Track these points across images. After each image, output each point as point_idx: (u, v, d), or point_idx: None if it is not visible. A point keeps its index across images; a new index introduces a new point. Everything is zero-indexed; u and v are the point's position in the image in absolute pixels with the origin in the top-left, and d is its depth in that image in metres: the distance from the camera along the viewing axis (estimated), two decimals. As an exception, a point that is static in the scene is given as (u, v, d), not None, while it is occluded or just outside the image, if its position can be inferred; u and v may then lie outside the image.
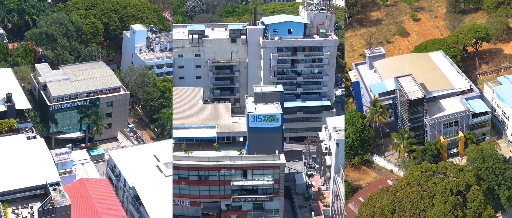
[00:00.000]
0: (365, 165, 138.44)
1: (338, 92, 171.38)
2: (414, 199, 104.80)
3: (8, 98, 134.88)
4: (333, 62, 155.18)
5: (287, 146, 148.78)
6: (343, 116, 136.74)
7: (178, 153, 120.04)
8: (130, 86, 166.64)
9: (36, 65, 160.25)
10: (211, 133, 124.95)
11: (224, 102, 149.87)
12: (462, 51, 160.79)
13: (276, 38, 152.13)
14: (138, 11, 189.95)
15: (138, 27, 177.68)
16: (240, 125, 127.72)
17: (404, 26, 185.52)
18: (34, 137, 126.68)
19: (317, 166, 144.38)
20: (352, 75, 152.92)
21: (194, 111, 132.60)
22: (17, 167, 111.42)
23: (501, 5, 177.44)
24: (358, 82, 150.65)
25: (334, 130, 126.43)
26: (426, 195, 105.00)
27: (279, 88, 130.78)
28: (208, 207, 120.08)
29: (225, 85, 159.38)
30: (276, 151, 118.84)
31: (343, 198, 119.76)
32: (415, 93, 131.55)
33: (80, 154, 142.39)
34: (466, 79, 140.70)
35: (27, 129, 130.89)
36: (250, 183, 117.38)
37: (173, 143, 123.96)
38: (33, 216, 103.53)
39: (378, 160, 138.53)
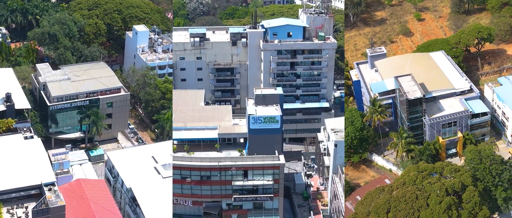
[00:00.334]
0: (364, 163, 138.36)
1: (337, 94, 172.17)
2: (409, 198, 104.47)
3: (8, 98, 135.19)
4: (331, 65, 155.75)
5: (287, 147, 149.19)
6: (342, 117, 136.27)
7: (181, 153, 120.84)
8: (131, 87, 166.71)
9: (37, 65, 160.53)
10: (213, 134, 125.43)
11: (225, 104, 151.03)
12: (465, 51, 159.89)
13: (276, 41, 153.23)
14: (141, 12, 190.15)
15: (140, 28, 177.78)
16: (240, 126, 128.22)
17: (408, 26, 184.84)
18: (32, 137, 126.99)
19: (316, 167, 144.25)
20: (353, 75, 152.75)
21: (195, 112, 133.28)
22: (13, 167, 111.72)
23: (506, 6, 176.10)
24: (359, 81, 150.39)
25: (332, 131, 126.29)
26: (421, 194, 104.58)
27: (279, 90, 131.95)
28: (210, 206, 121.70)
29: (226, 87, 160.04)
30: (276, 151, 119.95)
31: (343, 198, 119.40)
32: (414, 93, 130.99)
33: (78, 155, 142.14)
34: (466, 79, 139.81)
35: (25, 129, 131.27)
36: (250, 183, 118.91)
37: (176, 144, 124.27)
38: (28, 216, 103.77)
39: (377, 159, 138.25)
